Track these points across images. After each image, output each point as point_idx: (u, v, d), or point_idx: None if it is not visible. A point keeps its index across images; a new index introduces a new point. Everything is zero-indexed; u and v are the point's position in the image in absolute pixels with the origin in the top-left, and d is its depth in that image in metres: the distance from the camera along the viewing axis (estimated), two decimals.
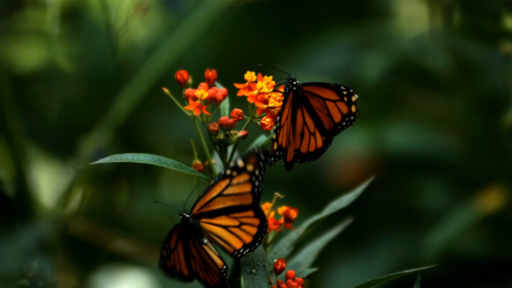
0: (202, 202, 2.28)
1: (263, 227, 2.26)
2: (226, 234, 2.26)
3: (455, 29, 4.59)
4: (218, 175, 2.26)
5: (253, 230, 2.27)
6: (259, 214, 2.26)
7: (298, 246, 2.52)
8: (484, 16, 4.75)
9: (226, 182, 2.26)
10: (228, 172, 2.26)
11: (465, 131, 4.63)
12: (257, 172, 2.26)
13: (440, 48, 4.53)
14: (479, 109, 4.48)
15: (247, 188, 2.27)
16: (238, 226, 2.27)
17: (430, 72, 4.53)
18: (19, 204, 4.32)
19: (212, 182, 2.28)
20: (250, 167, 2.26)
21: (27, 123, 4.98)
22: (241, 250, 2.25)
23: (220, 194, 2.27)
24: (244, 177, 2.26)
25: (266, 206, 2.37)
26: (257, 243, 2.26)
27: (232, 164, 2.26)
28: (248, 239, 2.26)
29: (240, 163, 2.25)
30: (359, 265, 4.45)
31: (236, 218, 2.27)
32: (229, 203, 2.27)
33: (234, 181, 2.27)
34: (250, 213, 2.27)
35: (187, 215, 2.27)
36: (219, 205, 2.28)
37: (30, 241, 4.02)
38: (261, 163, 2.26)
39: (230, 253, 2.27)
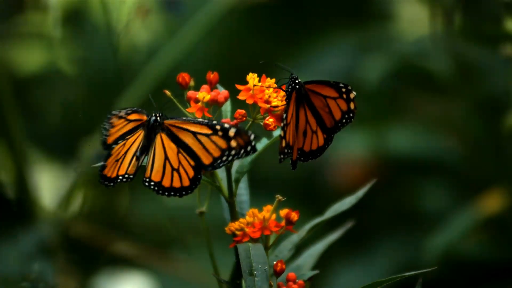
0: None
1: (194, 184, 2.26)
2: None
3: (456, 32, 4.59)
4: (208, 121, 2.25)
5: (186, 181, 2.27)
6: (197, 178, 2.26)
7: (299, 248, 2.52)
8: (485, 18, 4.75)
9: (208, 131, 2.25)
10: (218, 127, 2.24)
11: (466, 134, 4.63)
12: (233, 152, 2.24)
13: (441, 51, 4.53)
14: (480, 112, 4.48)
15: (215, 152, 2.26)
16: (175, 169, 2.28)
17: (431, 75, 4.53)
18: (20, 207, 4.32)
19: (199, 120, 2.26)
20: (234, 143, 2.25)
21: (28, 126, 4.98)
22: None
23: (194, 133, 2.26)
24: (221, 143, 2.25)
25: (267, 209, 2.37)
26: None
27: (226, 125, 2.24)
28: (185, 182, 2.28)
29: (232, 133, 2.23)
30: (361, 268, 4.45)
31: (178, 160, 2.27)
32: (191, 144, 2.27)
33: (213, 138, 2.25)
34: (192, 162, 2.26)
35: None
36: (185, 138, 2.27)
37: (31, 244, 4.03)
38: (243, 148, 2.24)
39: None
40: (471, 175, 4.56)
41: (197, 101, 2.33)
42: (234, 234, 2.37)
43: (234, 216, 2.41)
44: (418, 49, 4.62)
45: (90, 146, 4.32)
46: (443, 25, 4.66)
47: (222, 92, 2.36)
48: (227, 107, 2.41)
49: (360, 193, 2.52)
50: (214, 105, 2.35)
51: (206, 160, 2.27)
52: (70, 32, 5.30)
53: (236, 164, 2.40)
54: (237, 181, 2.40)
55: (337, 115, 2.37)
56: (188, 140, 2.28)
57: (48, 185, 5.02)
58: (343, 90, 2.35)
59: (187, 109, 2.34)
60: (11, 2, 5.15)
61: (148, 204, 5.09)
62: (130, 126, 2.33)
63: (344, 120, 2.37)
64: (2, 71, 4.42)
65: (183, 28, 4.48)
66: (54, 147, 5.23)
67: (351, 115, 2.36)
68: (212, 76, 2.38)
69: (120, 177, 2.31)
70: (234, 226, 2.36)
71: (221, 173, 2.42)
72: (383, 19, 5.41)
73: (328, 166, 4.87)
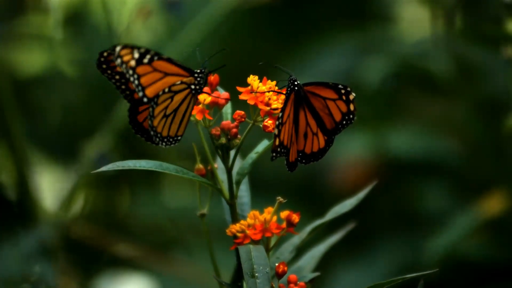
0: None
1: None
2: None
3: (456, 33, 4.59)
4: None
5: None
6: None
7: (300, 250, 2.52)
8: (486, 20, 4.75)
9: None
10: None
11: (467, 135, 4.63)
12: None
13: (442, 52, 4.53)
14: (481, 113, 4.48)
15: None
16: None
17: (432, 76, 4.53)
18: (21, 208, 4.33)
19: None
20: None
21: (29, 127, 4.98)
22: None
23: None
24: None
25: (268, 211, 2.37)
26: None
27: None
28: None
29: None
30: (362, 270, 4.45)
31: None
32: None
33: None
34: None
35: None
36: None
37: (32, 245, 4.03)
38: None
39: None
40: (471, 176, 4.56)
41: (198, 103, 2.33)
42: (235, 236, 2.37)
43: (235, 218, 2.41)
44: (418, 50, 4.63)
45: (91, 147, 4.32)
46: (444, 26, 4.66)
47: (222, 94, 2.36)
48: (227, 109, 2.41)
49: (361, 194, 2.52)
50: (214, 107, 2.35)
51: None
52: (71, 33, 5.31)
53: (237, 166, 2.40)
54: (238, 183, 2.40)
55: (337, 116, 2.36)
56: None
57: (49, 186, 5.02)
58: (343, 91, 2.35)
59: None
60: (12, 4, 5.16)
61: (148, 205, 5.09)
62: (173, 80, 2.34)
63: (344, 122, 2.36)
64: (3, 72, 4.43)
65: (184, 29, 4.48)
66: (55, 148, 5.23)
67: (351, 116, 2.36)
68: (212, 78, 2.38)
69: (172, 139, 2.37)
70: (235, 228, 2.36)
71: (222, 175, 2.42)
72: (384, 20, 5.41)
73: (329, 168, 4.87)
